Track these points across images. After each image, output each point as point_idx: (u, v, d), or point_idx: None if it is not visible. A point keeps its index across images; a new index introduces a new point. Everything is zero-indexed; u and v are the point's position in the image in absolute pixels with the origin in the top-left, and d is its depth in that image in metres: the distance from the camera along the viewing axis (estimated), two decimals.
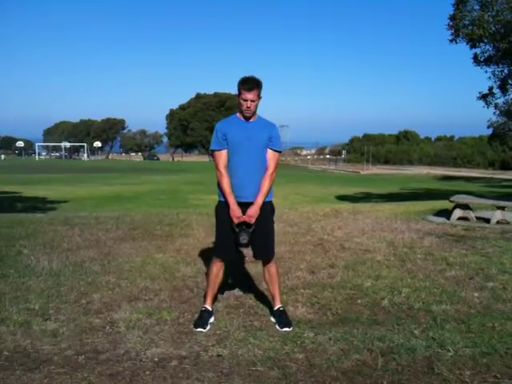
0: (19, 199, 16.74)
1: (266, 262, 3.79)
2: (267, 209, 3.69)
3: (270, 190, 3.67)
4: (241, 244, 3.61)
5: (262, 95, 3.59)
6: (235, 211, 3.57)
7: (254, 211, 3.58)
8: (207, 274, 3.83)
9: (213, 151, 3.68)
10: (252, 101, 3.50)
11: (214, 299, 3.96)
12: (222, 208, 3.66)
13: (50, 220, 8.52)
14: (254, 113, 3.61)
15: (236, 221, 3.58)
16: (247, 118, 3.60)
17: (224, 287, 4.37)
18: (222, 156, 3.61)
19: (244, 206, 3.60)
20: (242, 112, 3.59)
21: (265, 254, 3.77)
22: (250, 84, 3.51)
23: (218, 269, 3.75)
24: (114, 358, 3.12)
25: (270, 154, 3.65)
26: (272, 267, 3.78)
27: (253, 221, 3.59)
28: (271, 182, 3.65)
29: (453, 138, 70.27)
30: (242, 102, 3.53)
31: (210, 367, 2.99)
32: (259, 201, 3.59)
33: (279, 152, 3.71)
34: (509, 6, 13.41)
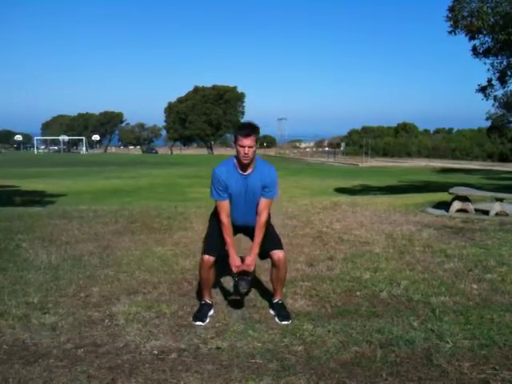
0: (18, 193, 16.70)
1: (276, 261, 3.68)
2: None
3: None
4: (240, 293, 3.62)
5: (259, 140, 3.56)
6: (235, 260, 3.62)
7: (251, 260, 3.63)
8: (199, 273, 3.78)
9: (215, 200, 3.67)
10: (249, 147, 3.44)
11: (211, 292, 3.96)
12: (218, 215, 3.69)
13: (49, 214, 8.51)
14: (252, 159, 3.54)
15: (235, 270, 3.62)
16: (244, 168, 3.55)
17: (223, 280, 4.37)
18: (225, 206, 3.62)
19: (242, 229, 3.77)
20: (239, 159, 3.52)
21: (273, 247, 3.71)
22: (247, 130, 3.46)
23: (209, 266, 3.67)
24: (113, 350, 3.12)
25: (262, 202, 3.62)
26: (282, 271, 3.71)
27: (251, 269, 3.63)
28: (264, 229, 3.66)
29: (451, 130, 70.40)
30: (239, 148, 3.46)
31: (209, 360, 3.00)
32: (255, 251, 3.64)
33: (273, 199, 3.70)
34: None
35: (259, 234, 3.63)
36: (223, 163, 3.66)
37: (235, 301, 3.87)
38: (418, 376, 2.79)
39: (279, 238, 3.81)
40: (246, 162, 3.50)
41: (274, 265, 3.72)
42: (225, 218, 3.61)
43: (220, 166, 3.64)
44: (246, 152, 3.45)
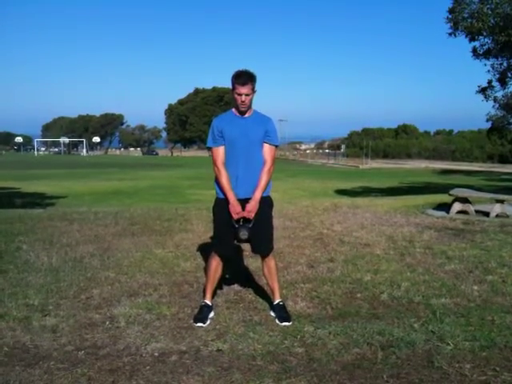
0: (18, 195, 16.71)
1: (264, 257, 3.78)
2: (265, 203, 3.68)
3: (267, 185, 3.67)
4: (240, 239, 3.61)
5: (256, 89, 3.57)
6: (235, 207, 3.57)
7: (252, 206, 3.58)
8: (206, 269, 3.83)
9: (210, 148, 3.68)
10: (246, 95, 3.49)
11: (214, 294, 3.96)
12: (220, 205, 3.67)
13: (49, 215, 8.52)
14: (249, 107, 3.60)
15: (235, 216, 3.57)
16: (243, 113, 3.59)
17: (223, 282, 4.37)
18: (220, 153, 3.61)
19: (242, 202, 3.60)
20: (237, 107, 3.58)
21: (263, 248, 3.76)
22: (244, 78, 3.50)
23: (216, 264, 3.75)
24: (113, 353, 3.12)
25: (266, 148, 3.64)
26: (271, 261, 3.77)
27: (252, 216, 3.59)
28: (269, 176, 3.64)
29: (452, 131, 70.35)
30: (236, 96, 3.52)
31: (209, 362, 3.00)
32: (257, 196, 3.59)
33: (276, 146, 3.70)
34: None
35: (263, 179, 3.61)
36: (222, 113, 3.77)
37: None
38: (418, 378, 2.78)
39: (271, 238, 3.81)
40: (243, 109, 3.56)
41: (264, 266, 3.80)
42: (220, 165, 3.61)
43: (218, 115, 3.75)
44: (243, 100, 3.50)
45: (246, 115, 3.61)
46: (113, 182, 25.31)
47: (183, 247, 6.06)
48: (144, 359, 3.03)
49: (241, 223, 3.59)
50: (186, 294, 4.28)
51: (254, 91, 3.55)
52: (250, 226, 3.59)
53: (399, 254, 5.67)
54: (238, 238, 3.61)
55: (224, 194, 3.60)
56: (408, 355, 3.06)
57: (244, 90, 3.48)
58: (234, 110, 3.65)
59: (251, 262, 5.22)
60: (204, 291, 3.89)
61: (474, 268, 5.06)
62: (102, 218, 8.23)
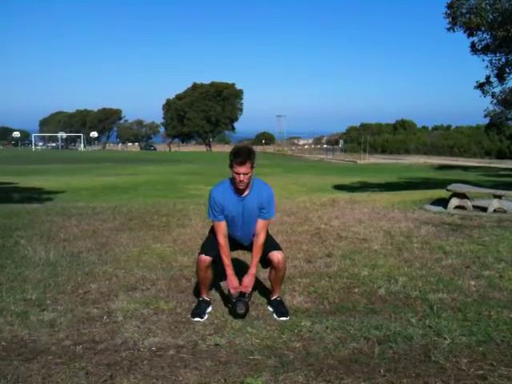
0: (16, 190, 16.67)
1: (275, 263, 3.66)
2: None
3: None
4: (237, 314, 3.61)
5: (255, 165, 3.51)
6: (232, 281, 3.64)
7: (248, 281, 3.65)
8: (196, 273, 3.79)
9: (211, 220, 3.69)
10: (244, 174, 3.43)
11: (210, 289, 3.96)
12: None
13: (47, 210, 8.51)
14: (248, 184, 3.55)
15: (233, 291, 3.63)
16: (241, 190, 3.55)
17: (221, 278, 4.38)
18: (222, 227, 3.63)
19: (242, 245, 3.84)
20: (235, 184, 3.52)
21: (272, 249, 3.69)
22: (242, 157, 3.42)
23: (206, 266, 3.65)
24: (111, 347, 3.12)
25: (260, 223, 3.64)
26: (281, 270, 3.70)
27: (249, 290, 3.65)
28: (261, 250, 3.67)
29: (450, 127, 70.25)
30: (234, 175, 3.46)
31: (207, 356, 3.00)
32: (253, 271, 3.67)
33: (270, 219, 3.72)
34: None
35: (256, 255, 3.65)
36: (220, 185, 3.66)
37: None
38: (415, 372, 2.79)
39: (276, 241, 3.84)
40: (241, 187, 3.51)
41: (273, 267, 3.71)
42: (222, 239, 3.62)
43: (216, 188, 3.64)
44: (241, 179, 3.45)
45: (245, 193, 3.57)
46: (111, 177, 25.24)
47: (181, 242, 6.06)
48: (142, 354, 3.03)
49: (240, 297, 3.62)
50: (184, 289, 4.29)
51: (252, 167, 3.48)
52: (247, 300, 3.63)
53: (397, 249, 5.68)
54: (234, 313, 3.61)
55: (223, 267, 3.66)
56: (405, 350, 3.07)
57: (242, 169, 3.41)
58: (231, 183, 3.58)
59: (249, 258, 5.21)
60: (199, 290, 3.85)
61: (471, 263, 5.07)
62: (99, 212, 8.23)
